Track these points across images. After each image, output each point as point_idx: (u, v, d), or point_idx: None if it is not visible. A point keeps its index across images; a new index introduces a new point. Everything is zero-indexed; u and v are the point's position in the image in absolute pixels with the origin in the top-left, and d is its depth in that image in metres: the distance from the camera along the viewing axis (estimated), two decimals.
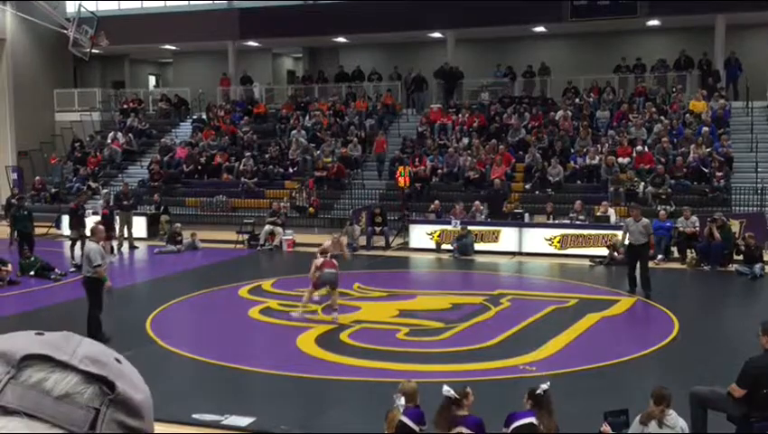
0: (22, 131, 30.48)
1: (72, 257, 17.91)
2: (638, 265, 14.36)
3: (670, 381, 8.11)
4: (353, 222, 20.60)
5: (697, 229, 17.85)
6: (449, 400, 6.48)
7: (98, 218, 19.74)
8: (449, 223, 19.80)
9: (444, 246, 19.63)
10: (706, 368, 9.57)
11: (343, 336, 11.38)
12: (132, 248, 20.91)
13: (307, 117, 28.39)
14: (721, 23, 26.11)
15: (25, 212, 19.12)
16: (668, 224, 18.35)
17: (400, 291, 14.71)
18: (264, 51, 34.72)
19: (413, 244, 20.25)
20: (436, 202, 21.55)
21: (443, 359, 10.25)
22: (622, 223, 19.31)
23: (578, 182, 22.61)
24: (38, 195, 26.88)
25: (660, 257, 17.73)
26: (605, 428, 6.72)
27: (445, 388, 6.57)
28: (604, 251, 18.09)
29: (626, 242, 14.87)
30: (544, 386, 6.57)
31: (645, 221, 14.57)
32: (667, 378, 8.98)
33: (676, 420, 6.53)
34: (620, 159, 22.48)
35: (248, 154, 26.21)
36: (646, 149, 22.52)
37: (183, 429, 7.88)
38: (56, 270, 16.69)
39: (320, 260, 12.29)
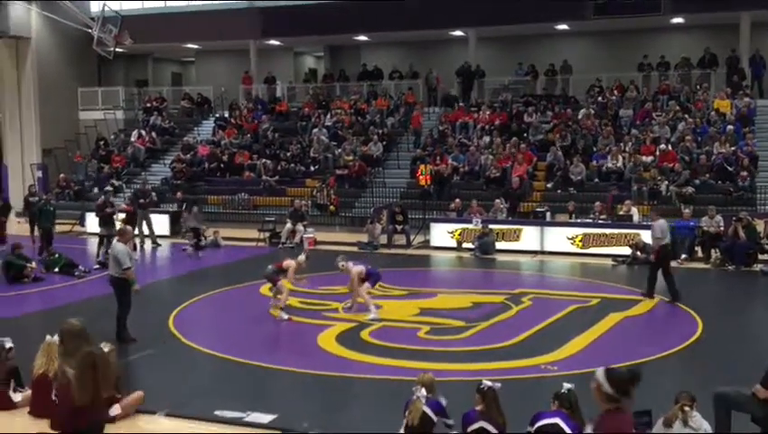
0: (46, 129, 30.83)
1: (98, 254, 18.11)
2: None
3: (694, 382, 8.06)
4: (374, 221, 20.62)
5: (722, 228, 17.69)
6: (493, 391, 6.64)
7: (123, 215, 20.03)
8: (470, 222, 19.77)
9: (465, 244, 19.59)
10: (730, 369, 9.47)
11: (364, 334, 11.40)
12: (155, 245, 21.07)
13: (328, 116, 28.45)
14: (746, 20, 25.84)
15: (51, 208, 19.34)
16: (691, 223, 18.20)
17: (421, 289, 14.70)
18: (285, 50, 34.83)
19: (434, 243, 20.22)
20: (457, 200, 21.51)
21: (463, 358, 10.23)
22: (644, 223, 19.34)
23: (599, 181, 22.43)
24: (62, 193, 27.18)
25: (683, 256, 17.60)
26: None
27: (487, 382, 6.75)
28: (626, 250, 17.96)
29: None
30: (567, 385, 6.58)
31: (654, 223, 13.97)
32: (690, 379, 8.92)
33: (700, 422, 6.49)
34: (643, 158, 22.32)
35: (266, 156, 26.31)
36: (670, 148, 22.34)
37: (206, 425, 7.94)
38: (80, 267, 16.87)
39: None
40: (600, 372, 4.74)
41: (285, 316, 12.47)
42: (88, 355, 5.41)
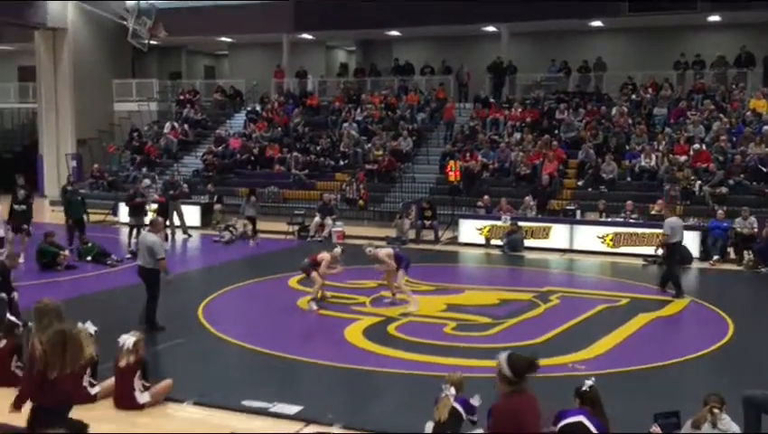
0: (81, 120, 31.28)
1: (129, 244, 18.35)
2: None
3: (724, 384, 7.96)
4: (403, 216, 20.62)
5: (755, 229, 17.45)
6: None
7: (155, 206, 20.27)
8: (499, 219, 19.69)
9: (493, 241, 19.52)
10: (760, 372, 9.36)
11: (391, 329, 11.42)
12: (186, 236, 21.26)
13: (359, 110, 28.48)
14: None
15: (79, 198, 19.58)
16: (725, 225, 17.95)
17: (449, 285, 14.69)
18: (318, 44, 34.95)
19: (462, 239, 20.18)
20: (486, 197, 21.42)
21: (489, 354, 10.18)
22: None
23: (632, 180, 22.21)
24: (96, 183, 27.55)
25: (716, 257, 17.40)
26: (655, 429, 6.63)
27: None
28: (658, 251, 17.74)
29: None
30: (589, 382, 6.51)
31: (666, 220, 14.58)
32: (720, 381, 8.81)
33: (729, 425, 6.41)
34: (677, 157, 22.05)
35: (296, 150, 26.42)
36: (704, 147, 22.04)
37: (233, 414, 8.02)
38: (112, 256, 17.10)
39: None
40: (503, 356, 5.18)
41: (315, 307, 12.55)
42: (59, 333, 5.68)
